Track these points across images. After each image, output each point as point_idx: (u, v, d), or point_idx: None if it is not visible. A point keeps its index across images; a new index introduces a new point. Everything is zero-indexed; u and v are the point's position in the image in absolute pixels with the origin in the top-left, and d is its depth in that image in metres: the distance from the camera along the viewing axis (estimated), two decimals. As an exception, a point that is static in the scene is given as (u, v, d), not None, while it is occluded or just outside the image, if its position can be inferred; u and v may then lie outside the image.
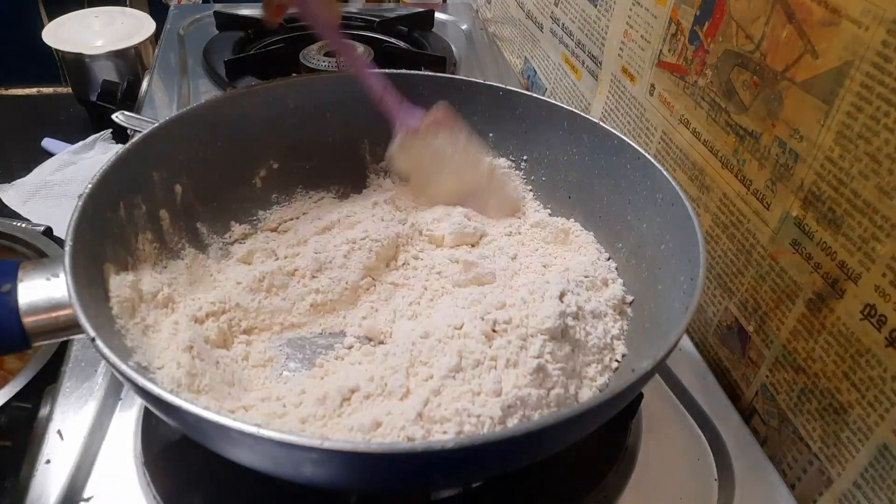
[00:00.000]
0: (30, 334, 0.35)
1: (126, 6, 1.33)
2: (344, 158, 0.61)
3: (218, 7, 1.04)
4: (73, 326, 0.34)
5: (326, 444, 0.26)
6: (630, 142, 0.51)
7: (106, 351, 0.31)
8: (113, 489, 0.41)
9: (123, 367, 0.30)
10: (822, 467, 0.44)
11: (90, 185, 0.40)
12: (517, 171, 0.60)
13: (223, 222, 0.54)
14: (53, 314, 0.35)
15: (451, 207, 0.56)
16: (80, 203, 0.39)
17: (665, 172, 0.47)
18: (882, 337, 0.39)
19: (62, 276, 0.35)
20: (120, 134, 1.06)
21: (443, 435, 0.34)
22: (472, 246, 0.54)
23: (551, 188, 0.59)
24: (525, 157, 0.59)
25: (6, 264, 0.36)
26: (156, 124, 0.48)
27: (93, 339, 0.32)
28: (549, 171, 0.58)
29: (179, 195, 0.50)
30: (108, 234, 0.42)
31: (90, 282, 0.38)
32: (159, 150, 0.48)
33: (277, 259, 0.52)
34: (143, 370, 0.37)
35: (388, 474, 0.31)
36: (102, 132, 1.08)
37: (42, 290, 0.35)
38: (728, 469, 0.47)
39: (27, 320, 0.35)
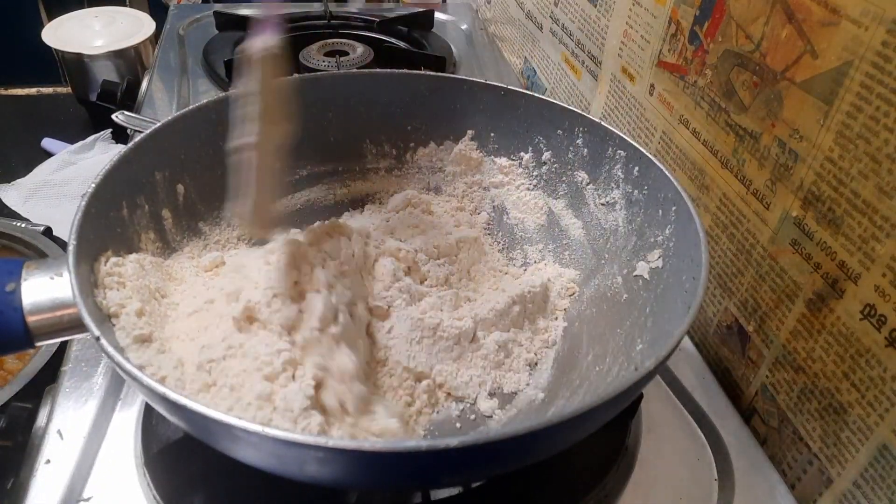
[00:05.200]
0: (34, 333, 0.35)
1: (126, 6, 1.33)
2: (346, 158, 0.61)
3: (218, 7, 1.04)
4: (77, 326, 0.34)
5: (331, 443, 0.27)
6: (631, 141, 0.51)
7: (110, 350, 0.31)
8: (113, 489, 0.42)
9: (128, 365, 0.30)
10: (822, 467, 0.45)
11: (93, 185, 0.40)
12: (519, 170, 0.60)
13: (226, 222, 0.54)
14: (57, 313, 0.35)
15: None
16: (84, 202, 0.39)
17: (667, 172, 0.47)
18: (882, 337, 0.39)
19: (66, 275, 0.35)
20: (120, 134, 1.06)
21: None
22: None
23: (552, 187, 0.59)
24: (525, 157, 0.59)
25: (11, 263, 0.36)
26: (158, 124, 0.48)
27: (97, 339, 0.32)
28: (549, 171, 0.58)
29: (182, 195, 0.50)
30: (111, 233, 0.42)
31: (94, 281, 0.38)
32: (162, 150, 0.48)
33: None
34: (143, 369, 0.37)
35: (391, 473, 0.31)
36: (102, 132, 1.07)
37: (46, 290, 0.35)
38: (728, 469, 0.47)
39: (31, 319, 0.35)
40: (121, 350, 0.35)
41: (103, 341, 0.32)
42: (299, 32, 1.00)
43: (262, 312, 0.40)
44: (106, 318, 0.37)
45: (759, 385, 0.51)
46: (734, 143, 0.51)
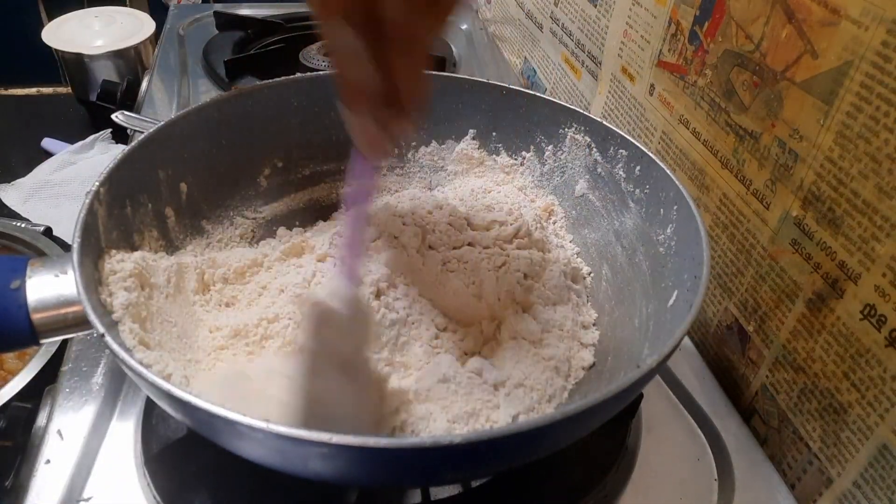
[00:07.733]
0: (38, 331, 0.35)
1: (126, 6, 1.33)
2: (348, 156, 0.61)
3: (218, 7, 1.04)
4: (82, 323, 0.34)
5: (335, 439, 0.27)
6: (634, 141, 0.51)
7: (115, 347, 0.31)
8: (113, 489, 0.42)
9: (133, 362, 0.31)
10: (822, 467, 0.45)
11: (97, 183, 0.40)
12: (521, 169, 0.60)
13: (229, 220, 0.55)
14: (62, 311, 0.35)
15: None
16: (88, 200, 0.39)
17: (668, 171, 0.47)
18: (882, 337, 0.39)
19: (70, 273, 0.35)
20: (120, 134, 1.07)
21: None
22: None
23: (553, 186, 0.59)
24: (527, 156, 0.60)
25: (15, 261, 0.36)
26: (161, 123, 0.48)
27: (102, 336, 0.32)
28: (550, 170, 0.59)
29: (184, 193, 0.50)
30: (114, 231, 0.42)
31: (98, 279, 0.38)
32: (165, 149, 0.48)
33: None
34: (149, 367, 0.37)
35: (394, 469, 0.31)
36: (102, 132, 1.08)
37: (50, 287, 0.35)
38: (728, 469, 0.47)
39: (36, 317, 0.35)
40: (126, 348, 0.35)
41: (108, 338, 0.32)
42: (299, 32, 1.00)
43: None
44: (109, 315, 0.37)
45: (759, 385, 0.51)
46: (734, 143, 0.51)
